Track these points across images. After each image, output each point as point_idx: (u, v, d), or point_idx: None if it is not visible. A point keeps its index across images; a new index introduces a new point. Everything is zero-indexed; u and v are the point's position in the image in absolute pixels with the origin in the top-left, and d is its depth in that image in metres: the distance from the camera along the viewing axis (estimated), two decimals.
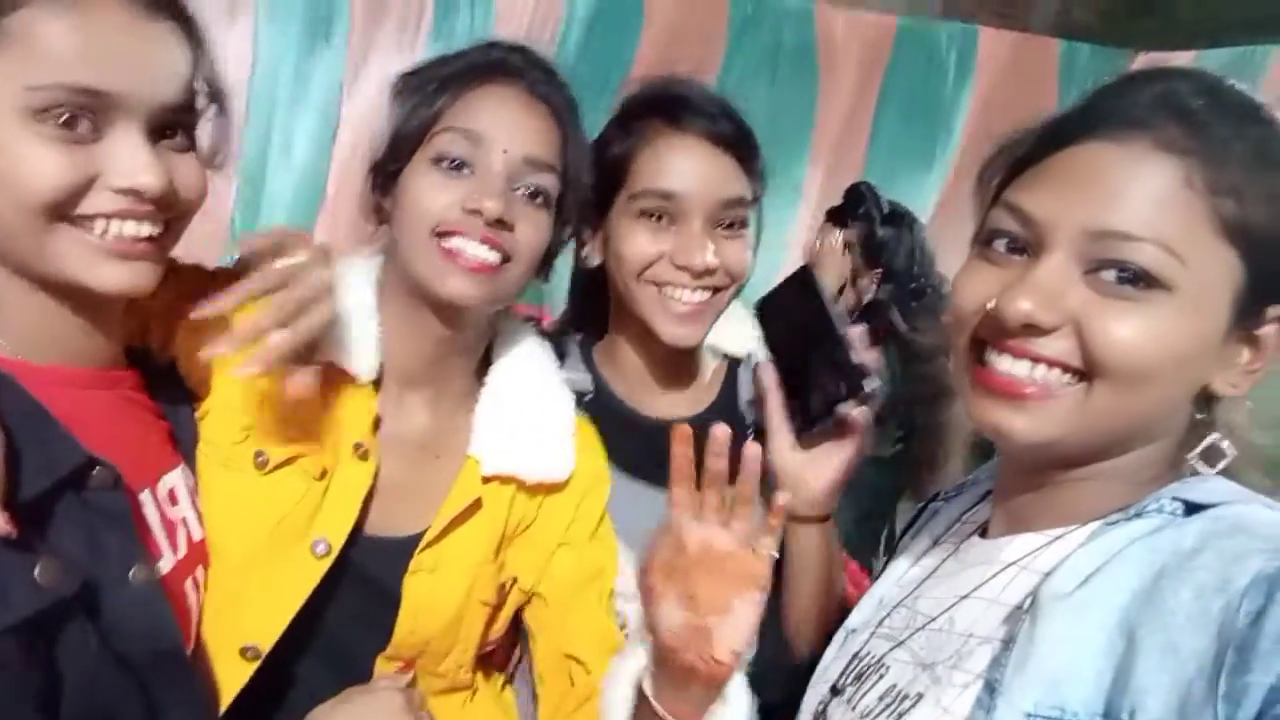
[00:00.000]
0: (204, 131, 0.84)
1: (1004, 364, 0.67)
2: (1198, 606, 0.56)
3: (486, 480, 0.98)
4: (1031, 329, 0.65)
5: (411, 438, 1.00)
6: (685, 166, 1.04)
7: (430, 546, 0.96)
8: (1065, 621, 0.61)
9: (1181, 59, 3.49)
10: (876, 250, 2.42)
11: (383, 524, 0.96)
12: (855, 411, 0.97)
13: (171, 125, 0.78)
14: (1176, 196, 0.62)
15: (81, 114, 0.71)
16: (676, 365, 1.15)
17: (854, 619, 0.87)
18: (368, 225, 1.01)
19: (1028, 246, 0.67)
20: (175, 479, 0.89)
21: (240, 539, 0.92)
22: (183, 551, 0.87)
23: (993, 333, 0.68)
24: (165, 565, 0.83)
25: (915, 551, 0.87)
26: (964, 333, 0.70)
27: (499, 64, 0.96)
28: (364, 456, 0.94)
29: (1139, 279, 0.62)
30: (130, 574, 0.75)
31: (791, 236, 3.79)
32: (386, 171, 0.96)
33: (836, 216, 2.59)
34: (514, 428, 1.00)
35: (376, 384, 0.98)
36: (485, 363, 1.05)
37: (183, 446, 0.93)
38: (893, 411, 2.12)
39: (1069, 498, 0.70)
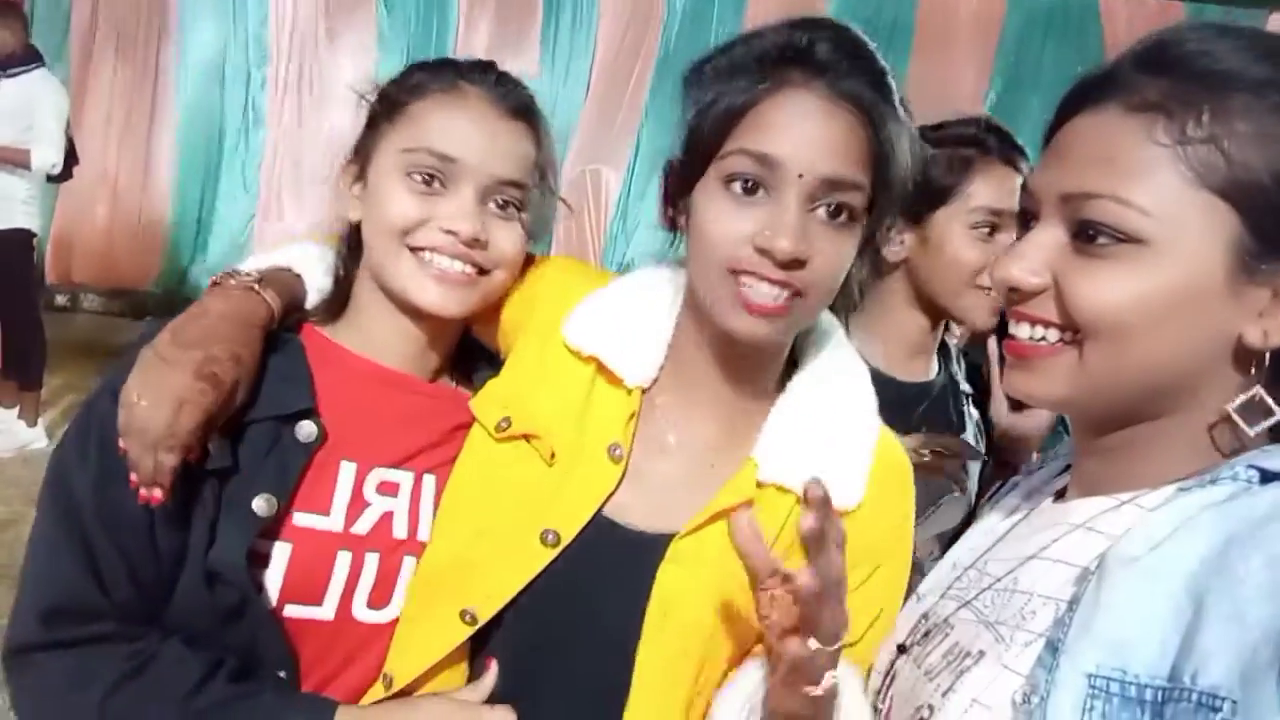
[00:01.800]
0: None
1: (1013, 329, 0.72)
2: (1268, 575, 0.56)
3: (761, 486, 0.90)
4: (1016, 292, 0.70)
5: (690, 444, 0.95)
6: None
7: (690, 536, 0.89)
8: (1133, 585, 0.61)
9: None
10: None
11: (641, 516, 0.92)
12: None
13: (504, 199, 1.00)
14: (1140, 152, 0.65)
15: (435, 174, 0.96)
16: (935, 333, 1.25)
17: (926, 584, 0.88)
18: (663, 228, 0.96)
19: (1036, 221, 0.72)
20: (404, 478, 1.00)
21: (469, 503, 0.95)
22: (361, 529, 0.97)
23: (1005, 301, 0.74)
24: (321, 524, 0.95)
25: (991, 519, 0.88)
26: (1005, 308, 0.75)
27: (800, 56, 0.83)
28: (618, 460, 0.91)
29: (1105, 235, 0.65)
30: (256, 497, 0.90)
31: None
32: (681, 179, 0.89)
33: None
34: (804, 440, 0.92)
35: (647, 386, 0.95)
36: (791, 365, 0.97)
37: None
38: None
39: (1132, 462, 0.71)
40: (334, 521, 0.96)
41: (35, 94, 4.11)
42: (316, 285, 1.06)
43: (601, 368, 0.94)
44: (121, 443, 0.84)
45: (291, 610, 0.93)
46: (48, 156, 4.09)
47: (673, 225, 0.94)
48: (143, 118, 6.60)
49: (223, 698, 0.89)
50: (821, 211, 0.83)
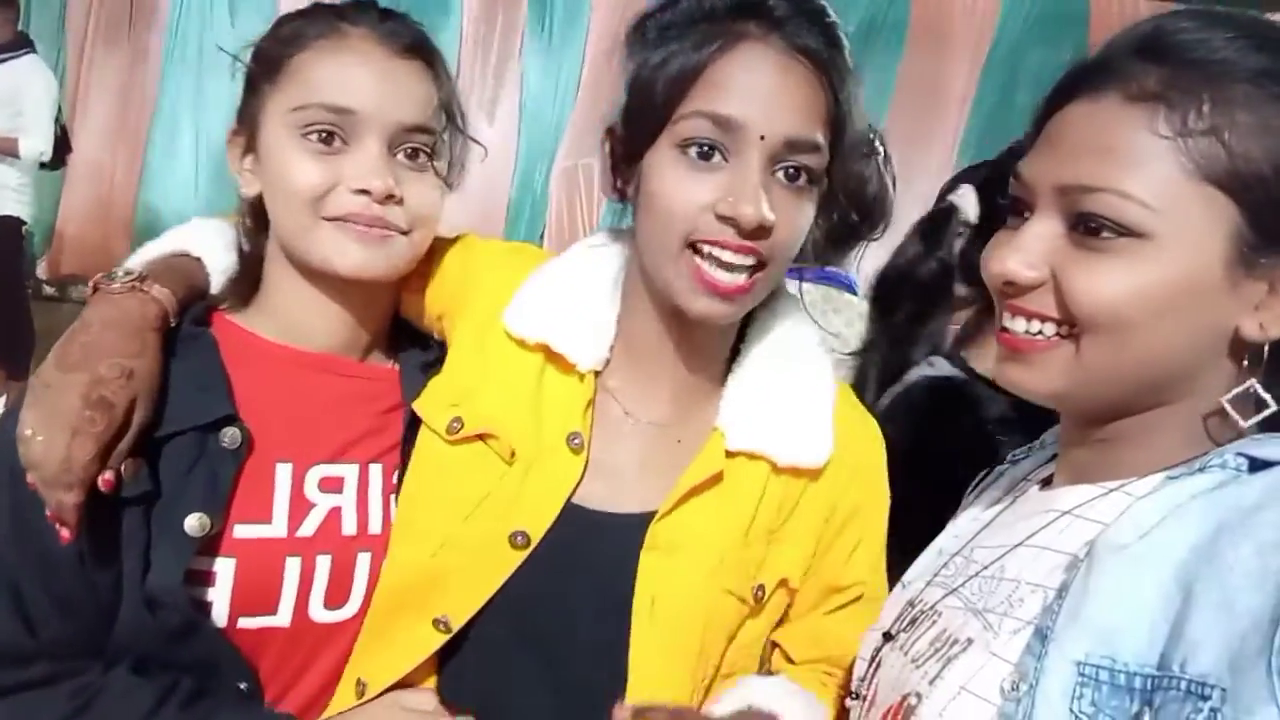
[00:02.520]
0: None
1: (1006, 321, 0.71)
2: (1257, 563, 0.56)
3: (732, 455, 0.89)
4: (1012, 286, 0.69)
5: (650, 421, 0.93)
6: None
7: (666, 518, 0.87)
8: (1122, 573, 0.61)
9: None
10: None
11: (612, 502, 0.89)
12: None
13: (413, 147, 0.92)
14: (1140, 144, 0.64)
15: (336, 130, 0.88)
16: None
17: (911, 572, 0.88)
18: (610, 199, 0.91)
19: (1029, 211, 0.71)
20: (347, 471, 0.95)
21: (429, 511, 0.91)
22: (307, 532, 0.92)
23: (999, 295, 0.72)
24: (264, 533, 0.90)
25: (977, 507, 0.88)
26: (996, 300, 0.74)
27: (753, 9, 0.80)
28: (578, 449, 0.88)
29: (1106, 229, 0.64)
30: (186, 518, 0.84)
31: None
32: (628, 145, 0.85)
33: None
34: (766, 403, 0.90)
35: (600, 369, 0.93)
36: (742, 335, 0.96)
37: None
38: None
39: (1121, 451, 0.71)
40: (277, 528, 0.91)
41: (24, 81, 4.08)
42: (220, 266, 0.97)
43: (550, 355, 0.91)
44: (28, 478, 0.78)
45: (246, 622, 0.89)
46: (35, 145, 4.07)
47: (621, 196, 0.89)
48: (135, 106, 6.57)
49: None
50: (781, 174, 0.80)
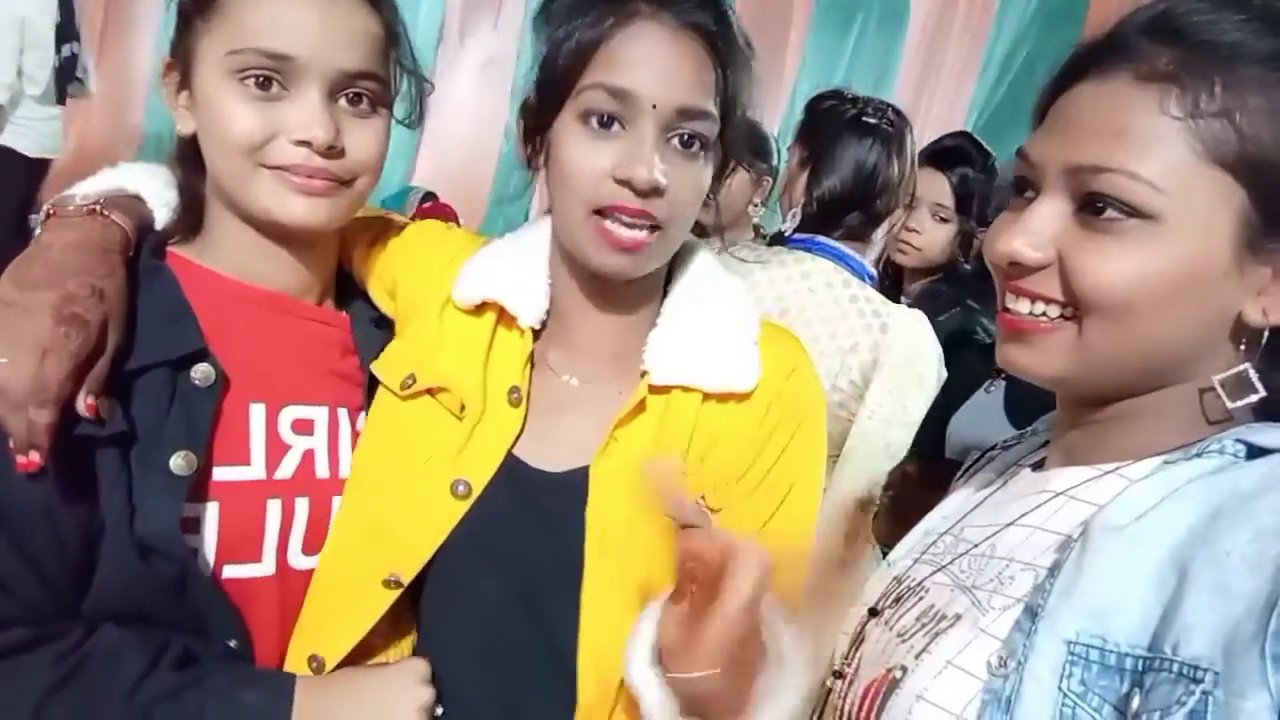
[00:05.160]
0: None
1: (1009, 302, 0.70)
2: (1255, 549, 0.56)
3: (659, 390, 0.92)
4: (1018, 267, 0.68)
5: (586, 384, 0.96)
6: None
7: (602, 459, 0.90)
8: (1116, 554, 0.61)
9: None
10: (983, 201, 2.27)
11: (550, 460, 0.92)
12: None
13: (355, 92, 0.88)
14: (1151, 125, 0.63)
15: (274, 76, 0.83)
16: None
17: (897, 551, 0.88)
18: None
19: (1034, 191, 0.70)
20: (317, 413, 0.94)
21: (381, 466, 0.93)
22: (285, 474, 0.90)
23: (1003, 275, 0.71)
24: (245, 475, 0.88)
25: (967, 490, 0.87)
26: (998, 280, 0.73)
27: None
28: (516, 403, 0.92)
29: (1116, 211, 0.63)
30: (171, 457, 0.81)
31: None
32: (538, 117, 0.90)
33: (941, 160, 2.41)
34: (688, 337, 0.94)
35: (539, 330, 0.96)
36: (666, 293, 0.99)
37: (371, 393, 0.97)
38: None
39: (1118, 434, 0.70)
40: (256, 470, 0.88)
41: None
42: (162, 201, 0.92)
43: (501, 314, 0.94)
44: None
45: (231, 571, 0.86)
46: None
47: (530, 164, 0.94)
48: (133, 45, 6.37)
49: (170, 688, 0.81)
50: (675, 141, 0.85)
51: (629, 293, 0.95)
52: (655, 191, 0.83)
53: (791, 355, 0.99)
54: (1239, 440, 0.64)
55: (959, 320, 1.99)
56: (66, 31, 4.07)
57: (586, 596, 0.87)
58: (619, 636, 0.83)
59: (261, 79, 0.84)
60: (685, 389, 0.92)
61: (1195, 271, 0.63)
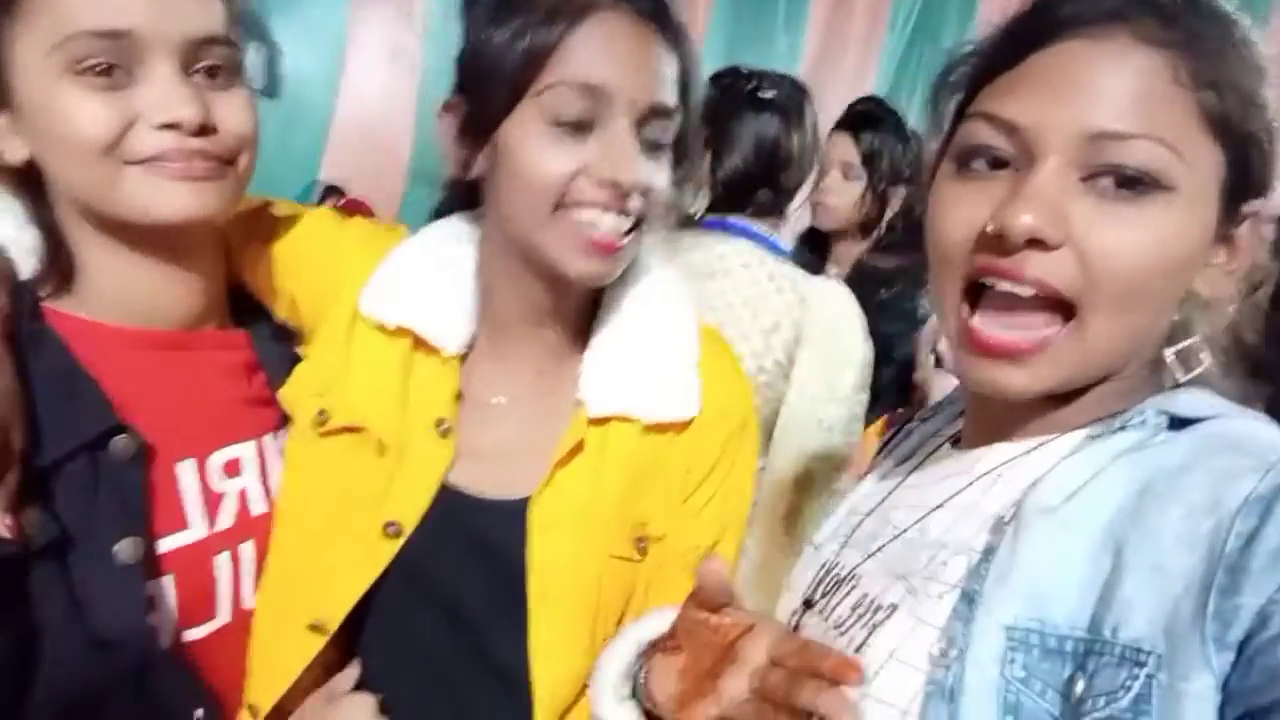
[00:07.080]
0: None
1: (1001, 285, 0.63)
2: (1187, 526, 0.55)
3: (596, 422, 0.87)
4: (1036, 244, 0.61)
5: (518, 402, 0.92)
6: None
7: (543, 495, 0.86)
8: (1049, 536, 0.60)
9: None
10: (910, 165, 2.26)
11: (490, 487, 0.88)
12: None
13: (211, 64, 0.78)
14: (1166, 91, 0.60)
15: (115, 60, 0.73)
16: None
17: (823, 533, 0.86)
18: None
19: (1012, 159, 0.63)
20: (242, 450, 0.89)
21: (303, 507, 0.89)
22: (225, 524, 0.86)
23: (988, 259, 0.63)
24: (186, 538, 0.83)
25: (887, 464, 0.86)
26: (954, 270, 0.66)
27: None
28: (446, 434, 0.87)
29: (1138, 182, 0.60)
30: (115, 547, 0.75)
31: None
32: (479, 119, 0.83)
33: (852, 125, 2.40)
34: (625, 364, 0.89)
35: (465, 352, 0.91)
36: (596, 301, 0.94)
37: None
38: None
39: (1047, 408, 0.68)
40: (197, 530, 0.84)
41: None
42: (22, 246, 0.78)
43: (417, 341, 0.89)
44: None
45: (190, 635, 0.83)
46: None
47: (464, 169, 0.86)
48: None
49: None
50: (645, 138, 0.81)
51: (574, 304, 0.91)
52: (637, 191, 0.80)
53: (731, 375, 0.96)
54: (1160, 411, 0.63)
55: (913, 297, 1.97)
56: None
57: (534, 630, 0.84)
58: (572, 661, 0.82)
59: (101, 66, 0.72)
60: (624, 419, 0.88)
61: (1195, 245, 0.61)
